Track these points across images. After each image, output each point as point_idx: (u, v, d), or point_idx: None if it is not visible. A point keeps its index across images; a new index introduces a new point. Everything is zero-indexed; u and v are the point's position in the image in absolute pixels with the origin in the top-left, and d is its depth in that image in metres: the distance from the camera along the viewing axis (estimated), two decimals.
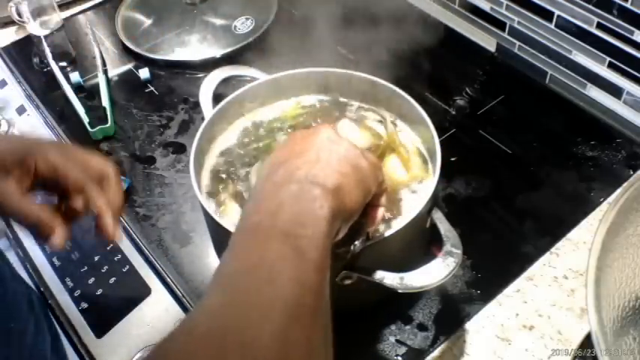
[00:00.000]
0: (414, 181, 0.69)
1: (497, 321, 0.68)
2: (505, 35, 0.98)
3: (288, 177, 0.46)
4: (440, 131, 0.68)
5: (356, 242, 0.55)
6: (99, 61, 1.02)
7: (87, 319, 0.71)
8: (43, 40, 1.05)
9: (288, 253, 0.41)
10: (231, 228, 0.61)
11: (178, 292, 0.72)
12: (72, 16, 1.15)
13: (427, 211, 0.64)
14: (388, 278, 0.58)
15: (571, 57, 0.90)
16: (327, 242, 0.43)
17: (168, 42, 1.06)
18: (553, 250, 0.74)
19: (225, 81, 0.81)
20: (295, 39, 0.97)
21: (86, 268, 0.75)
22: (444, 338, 0.67)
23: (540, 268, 0.73)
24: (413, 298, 0.70)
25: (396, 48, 0.93)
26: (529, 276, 0.72)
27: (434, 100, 0.93)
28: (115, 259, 0.76)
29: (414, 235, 0.65)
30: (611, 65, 0.86)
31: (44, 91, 1.00)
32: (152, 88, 1.00)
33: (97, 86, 0.99)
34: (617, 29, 0.82)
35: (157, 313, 0.71)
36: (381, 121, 0.75)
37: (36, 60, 1.06)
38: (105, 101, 0.96)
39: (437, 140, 0.67)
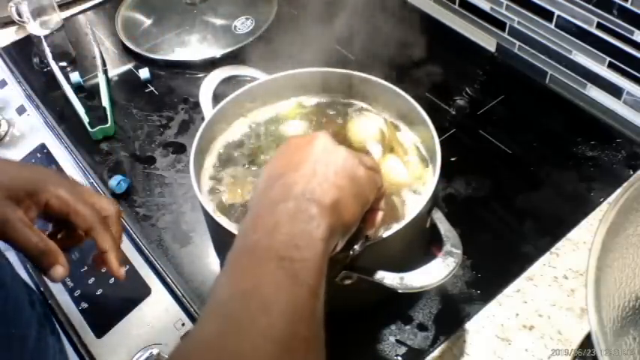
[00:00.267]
0: (415, 181, 0.69)
1: (497, 321, 0.68)
2: (505, 35, 0.98)
3: (285, 193, 0.46)
4: (440, 131, 0.68)
5: (355, 246, 0.55)
6: (99, 61, 1.03)
7: (87, 319, 0.71)
8: (43, 40, 1.05)
9: (282, 279, 0.41)
10: (231, 228, 0.61)
11: (178, 292, 0.72)
12: (72, 16, 1.15)
13: (427, 211, 0.64)
14: (388, 278, 0.58)
15: (571, 57, 0.90)
16: (322, 263, 0.43)
17: (168, 42, 1.06)
18: (553, 250, 0.74)
19: (225, 81, 0.81)
20: (295, 39, 0.97)
21: (86, 268, 0.75)
22: (444, 338, 0.67)
23: (540, 268, 0.73)
24: (413, 298, 0.70)
25: (396, 48, 0.93)
26: (529, 276, 0.72)
27: (434, 100, 0.93)
28: None
29: (414, 235, 0.65)
30: (611, 65, 0.86)
31: (44, 91, 1.00)
32: (152, 88, 1.00)
33: (97, 86, 0.99)
34: (617, 29, 0.82)
35: (157, 313, 0.71)
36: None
37: (36, 60, 1.06)
38: (105, 101, 0.96)
39: (437, 140, 0.67)
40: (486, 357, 0.66)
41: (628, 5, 0.78)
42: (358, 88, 0.76)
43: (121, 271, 0.58)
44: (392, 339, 0.67)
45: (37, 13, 1.06)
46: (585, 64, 0.89)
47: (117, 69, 1.04)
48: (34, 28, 1.07)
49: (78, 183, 0.62)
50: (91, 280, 0.74)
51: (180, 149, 0.90)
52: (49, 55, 1.02)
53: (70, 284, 0.74)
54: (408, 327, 0.68)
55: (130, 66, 1.04)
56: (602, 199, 0.79)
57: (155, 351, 0.67)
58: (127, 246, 0.77)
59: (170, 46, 1.06)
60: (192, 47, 1.05)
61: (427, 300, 0.70)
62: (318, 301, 0.42)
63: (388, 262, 0.59)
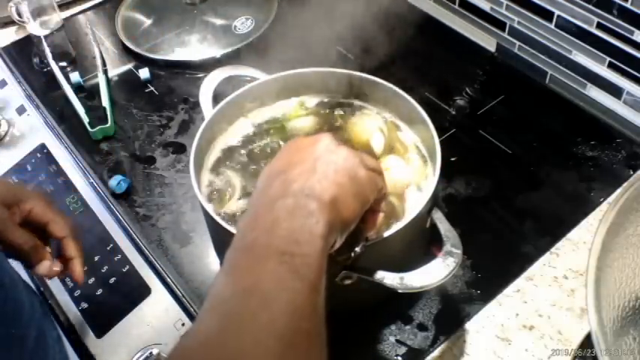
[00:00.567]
0: (415, 180, 0.69)
1: (497, 321, 0.68)
2: (505, 35, 0.98)
3: (284, 190, 0.46)
4: (440, 131, 0.68)
5: (356, 249, 0.55)
6: (99, 61, 1.02)
7: (87, 319, 0.71)
8: (43, 40, 1.05)
9: (283, 275, 0.41)
10: (232, 228, 0.61)
11: (178, 292, 0.72)
12: (72, 16, 1.15)
13: (427, 211, 0.64)
14: (388, 278, 0.58)
15: (571, 57, 0.90)
16: (322, 259, 0.43)
17: (168, 42, 1.06)
18: (553, 250, 0.74)
19: (225, 81, 0.81)
20: (295, 39, 0.97)
21: (86, 268, 0.75)
22: (444, 338, 0.67)
23: (540, 268, 0.73)
24: (413, 298, 0.70)
25: (396, 48, 0.93)
26: (529, 276, 0.72)
27: (434, 100, 0.93)
28: (115, 259, 0.76)
29: (414, 235, 0.65)
30: (611, 65, 0.86)
31: (44, 91, 1.00)
32: (152, 88, 1.00)
33: (97, 86, 0.99)
34: (617, 29, 0.82)
35: (157, 313, 0.71)
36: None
37: (36, 60, 1.06)
38: (105, 101, 0.96)
39: (437, 140, 0.67)
40: (486, 357, 0.66)
41: (628, 5, 0.78)
42: (358, 88, 0.76)
43: (82, 277, 0.64)
44: (392, 339, 0.67)
45: (37, 13, 1.06)
46: (585, 64, 0.89)
47: (117, 69, 1.04)
48: (34, 28, 1.07)
49: (49, 197, 0.70)
50: (91, 280, 0.74)
51: (180, 149, 0.90)
52: (49, 55, 1.02)
53: (70, 284, 0.74)
54: (408, 327, 0.68)
55: (130, 66, 1.04)
56: (602, 199, 0.79)
57: (155, 351, 0.67)
58: (127, 246, 0.77)
59: (170, 46, 1.06)
60: (192, 47, 1.05)
61: (427, 300, 0.70)
62: (319, 297, 0.42)
63: (388, 262, 0.59)
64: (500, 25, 0.98)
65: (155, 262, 0.75)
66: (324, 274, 0.43)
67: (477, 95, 0.94)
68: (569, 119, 0.90)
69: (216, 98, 0.76)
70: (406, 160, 0.71)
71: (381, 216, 0.54)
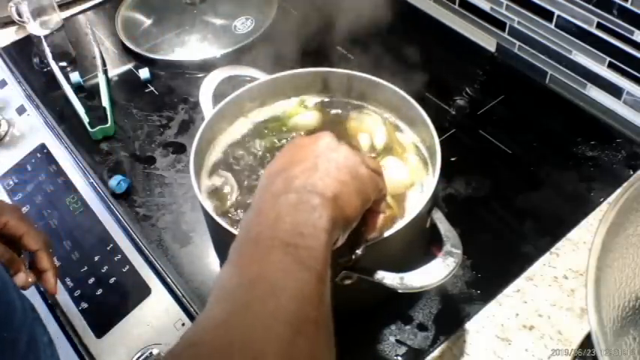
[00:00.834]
0: (414, 181, 0.69)
1: (497, 321, 0.68)
2: (505, 35, 0.98)
3: (287, 186, 0.46)
4: (440, 131, 0.68)
5: (357, 251, 0.55)
6: (99, 61, 1.02)
7: (87, 319, 0.71)
8: (43, 40, 1.05)
9: (289, 264, 0.41)
10: (232, 228, 0.61)
11: (178, 292, 0.72)
12: (72, 16, 1.15)
13: (427, 211, 0.64)
14: (388, 278, 0.58)
15: (571, 57, 0.90)
16: (327, 252, 0.43)
17: (168, 42, 1.06)
18: (553, 250, 0.74)
19: (225, 81, 0.81)
20: (295, 39, 0.97)
21: (86, 268, 0.75)
22: (444, 338, 0.67)
23: (540, 268, 0.73)
24: (413, 298, 0.70)
25: (396, 48, 0.93)
26: (529, 276, 0.72)
27: (434, 100, 0.93)
28: (115, 259, 0.76)
29: (414, 235, 0.65)
30: (611, 65, 0.86)
31: (44, 91, 1.00)
32: (152, 88, 1.00)
33: (97, 86, 0.99)
34: (617, 29, 0.82)
35: (157, 313, 0.71)
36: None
37: (36, 60, 1.06)
38: (105, 101, 0.96)
39: (437, 140, 0.67)
40: (486, 357, 0.66)
41: (628, 5, 0.78)
42: (358, 88, 0.76)
43: (56, 288, 0.66)
44: (392, 339, 0.67)
45: (37, 13, 1.06)
46: (585, 64, 0.89)
47: (117, 69, 1.04)
48: (34, 28, 1.07)
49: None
50: (91, 280, 0.74)
51: (180, 149, 0.90)
52: (49, 55, 1.02)
53: (70, 284, 0.74)
54: (408, 327, 0.68)
55: (130, 66, 1.04)
56: (602, 199, 0.79)
57: (155, 351, 0.67)
58: (127, 246, 0.77)
59: (170, 46, 1.06)
60: (192, 47, 1.05)
61: (427, 300, 0.70)
62: (325, 287, 0.42)
63: (388, 262, 0.59)
64: (500, 25, 0.98)
65: (155, 262, 0.75)
66: (329, 267, 0.43)
67: (477, 95, 0.94)
68: (569, 119, 0.90)
69: (216, 98, 0.76)
70: (404, 161, 0.71)
71: (381, 217, 0.54)
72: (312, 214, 0.44)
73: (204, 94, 0.78)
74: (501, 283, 0.71)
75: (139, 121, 0.94)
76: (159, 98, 0.98)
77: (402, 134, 0.74)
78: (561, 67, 0.93)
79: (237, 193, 0.69)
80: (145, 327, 0.69)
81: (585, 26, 0.85)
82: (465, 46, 1.04)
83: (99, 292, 0.73)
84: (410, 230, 0.61)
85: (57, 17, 1.09)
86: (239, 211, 0.67)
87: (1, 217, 0.63)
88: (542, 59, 0.95)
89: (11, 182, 0.88)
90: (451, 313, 0.69)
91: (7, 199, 0.85)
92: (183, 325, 0.69)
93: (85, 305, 0.72)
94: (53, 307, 0.73)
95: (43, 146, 0.91)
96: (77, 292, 0.74)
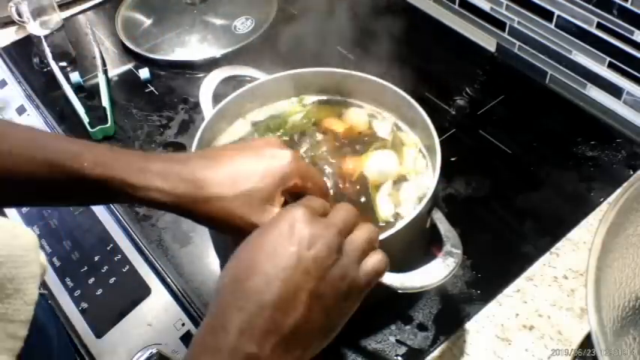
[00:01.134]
0: (406, 172, 0.69)
1: (497, 321, 0.68)
2: (505, 35, 0.98)
3: (227, 321, 0.43)
4: (440, 131, 0.68)
5: None
6: (99, 61, 1.02)
7: (87, 319, 0.71)
8: (43, 40, 1.05)
9: None
10: None
11: (178, 292, 0.72)
12: (72, 16, 1.15)
13: (427, 211, 0.64)
14: (388, 278, 0.58)
15: (571, 57, 0.90)
16: None
17: (168, 42, 1.06)
18: (553, 250, 0.74)
19: (225, 81, 0.81)
20: (295, 39, 0.97)
21: (86, 268, 0.75)
22: (444, 338, 0.67)
23: (540, 268, 0.73)
24: (413, 298, 0.70)
25: (396, 48, 0.93)
26: (529, 276, 0.72)
27: (434, 100, 0.93)
28: (115, 259, 0.76)
29: (414, 235, 0.65)
30: (611, 65, 0.86)
31: (44, 91, 1.00)
32: (152, 88, 1.00)
33: (97, 86, 0.99)
34: (617, 29, 0.82)
35: (157, 313, 0.71)
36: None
37: (36, 60, 1.06)
38: (105, 101, 0.96)
39: (437, 140, 0.67)
40: (486, 357, 0.66)
41: (628, 5, 0.78)
42: (358, 88, 0.76)
43: None
44: (392, 339, 0.67)
45: (37, 13, 1.06)
46: (585, 64, 0.89)
47: (117, 69, 1.04)
48: (34, 28, 1.07)
49: None
50: (91, 280, 0.74)
51: (180, 149, 0.90)
52: (49, 55, 1.02)
53: (70, 284, 0.74)
54: (408, 327, 0.68)
55: (130, 66, 1.04)
56: (602, 199, 0.79)
57: (155, 351, 0.67)
58: (127, 246, 0.77)
59: (170, 46, 1.06)
60: (192, 47, 1.05)
61: (427, 300, 0.70)
62: None
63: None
64: (500, 25, 0.98)
65: (155, 262, 0.75)
66: None
67: (477, 95, 0.94)
68: (569, 119, 0.90)
69: (216, 98, 0.76)
70: (400, 153, 0.71)
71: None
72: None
73: (204, 94, 0.78)
74: (501, 283, 0.71)
75: (139, 121, 0.94)
76: (159, 98, 0.98)
77: (402, 134, 0.74)
78: (561, 67, 0.93)
79: None
80: (145, 327, 0.69)
81: (585, 26, 0.85)
82: (465, 46, 1.04)
83: (99, 292, 0.73)
84: (410, 230, 0.61)
85: (57, 17, 1.09)
86: None
87: (306, 182, 0.55)
88: (542, 59, 0.95)
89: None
90: (451, 313, 0.69)
91: None
92: (183, 325, 0.69)
93: (85, 305, 0.72)
94: (53, 307, 0.73)
95: None
96: (77, 292, 0.74)
